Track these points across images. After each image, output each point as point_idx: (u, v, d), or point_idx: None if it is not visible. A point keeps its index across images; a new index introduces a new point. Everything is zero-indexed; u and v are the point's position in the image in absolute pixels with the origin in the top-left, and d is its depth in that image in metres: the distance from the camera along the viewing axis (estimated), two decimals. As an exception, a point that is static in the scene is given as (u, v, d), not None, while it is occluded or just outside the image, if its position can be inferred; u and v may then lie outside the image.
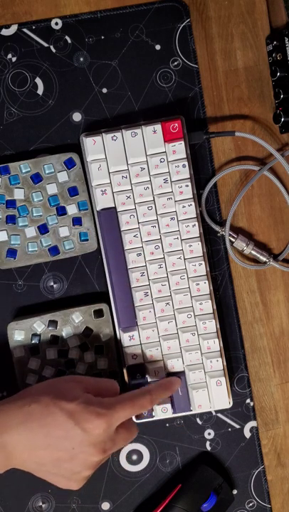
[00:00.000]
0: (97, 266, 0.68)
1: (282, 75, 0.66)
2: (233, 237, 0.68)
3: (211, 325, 0.66)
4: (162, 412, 0.65)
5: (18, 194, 0.65)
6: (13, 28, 0.66)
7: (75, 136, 0.67)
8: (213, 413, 0.69)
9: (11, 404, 0.57)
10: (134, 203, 0.65)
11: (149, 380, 0.65)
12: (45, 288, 0.68)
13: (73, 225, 0.66)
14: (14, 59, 0.66)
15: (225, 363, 0.66)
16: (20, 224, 0.65)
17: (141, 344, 0.66)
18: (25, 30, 0.66)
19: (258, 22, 0.69)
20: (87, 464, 0.57)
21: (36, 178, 0.65)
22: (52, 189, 0.65)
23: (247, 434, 0.69)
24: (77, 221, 0.66)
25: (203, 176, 0.69)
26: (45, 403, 0.56)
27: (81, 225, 0.66)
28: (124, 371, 0.66)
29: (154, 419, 0.66)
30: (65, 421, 0.56)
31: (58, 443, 0.56)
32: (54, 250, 0.66)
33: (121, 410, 0.57)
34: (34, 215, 0.65)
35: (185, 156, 0.65)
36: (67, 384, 0.59)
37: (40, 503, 0.68)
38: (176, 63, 0.68)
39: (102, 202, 0.65)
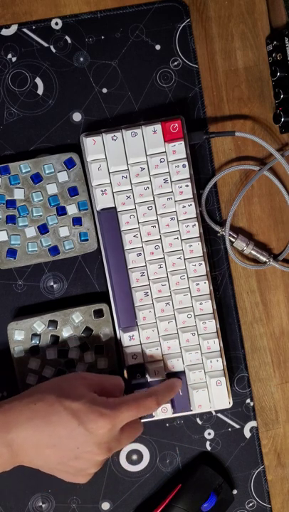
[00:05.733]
0: (97, 266, 0.68)
1: (282, 75, 0.66)
2: (233, 237, 0.68)
3: (211, 325, 0.66)
4: (162, 412, 0.65)
5: (18, 194, 0.65)
6: (13, 28, 0.66)
7: (75, 136, 0.67)
8: (213, 413, 0.69)
9: (17, 401, 0.58)
10: (134, 203, 0.65)
11: (149, 379, 0.66)
12: (45, 288, 0.68)
13: (73, 225, 0.66)
14: (14, 59, 0.66)
15: (225, 363, 0.66)
16: (20, 224, 0.65)
17: (141, 344, 0.66)
18: (25, 30, 0.66)
19: (258, 22, 0.69)
20: (92, 463, 0.58)
21: (36, 178, 0.65)
22: (52, 189, 0.65)
23: (247, 434, 0.69)
24: (77, 221, 0.66)
25: (203, 175, 0.69)
26: (51, 401, 0.57)
27: (81, 225, 0.66)
28: (124, 371, 0.66)
29: (154, 419, 0.66)
30: (69, 420, 0.56)
31: (62, 442, 0.56)
32: (54, 250, 0.66)
33: (126, 411, 0.57)
34: (34, 215, 0.65)
35: (185, 156, 0.65)
36: (72, 382, 0.59)
37: (40, 503, 0.68)
38: (176, 63, 0.68)
39: (102, 202, 0.65)
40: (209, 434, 0.69)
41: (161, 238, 0.66)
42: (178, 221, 0.65)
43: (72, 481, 0.60)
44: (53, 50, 0.67)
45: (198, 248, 0.66)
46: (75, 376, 0.60)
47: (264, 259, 0.69)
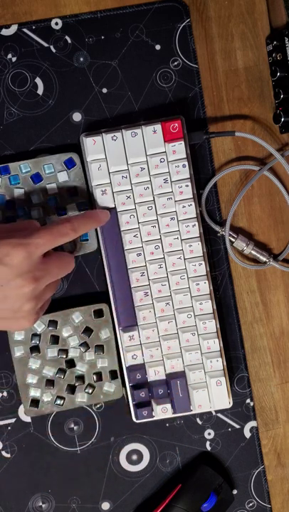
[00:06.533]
0: (97, 266, 0.68)
1: (282, 75, 0.66)
2: (233, 237, 0.68)
3: (211, 325, 0.66)
4: (162, 412, 0.65)
5: (18, 194, 0.65)
6: (13, 28, 0.66)
7: (75, 136, 0.67)
8: (213, 413, 0.69)
9: None
10: (134, 203, 0.65)
11: (149, 379, 0.66)
12: (45, 288, 0.67)
13: (73, 225, 0.66)
14: (14, 59, 0.66)
15: (225, 363, 0.66)
16: (20, 224, 0.65)
17: (141, 344, 0.66)
18: (25, 30, 0.66)
19: (258, 22, 0.69)
20: (23, 297, 0.55)
21: (36, 178, 0.65)
22: (52, 189, 0.65)
23: (247, 434, 0.69)
24: (77, 221, 0.66)
25: (203, 175, 0.69)
26: None
27: (81, 225, 0.66)
28: (125, 371, 0.66)
29: (154, 419, 0.66)
30: None
31: None
32: (54, 250, 0.66)
33: (38, 238, 0.55)
34: (34, 215, 0.65)
35: (185, 156, 0.65)
36: None
37: (40, 503, 0.68)
38: (176, 63, 0.68)
39: (102, 202, 0.65)
40: (209, 434, 0.69)
41: (161, 238, 0.66)
42: (178, 221, 0.65)
43: (18, 328, 0.57)
44: (53, 50, 0.67)
45: (198, 248, 0.66)
46: None
47: (264, 259, 0.69)
